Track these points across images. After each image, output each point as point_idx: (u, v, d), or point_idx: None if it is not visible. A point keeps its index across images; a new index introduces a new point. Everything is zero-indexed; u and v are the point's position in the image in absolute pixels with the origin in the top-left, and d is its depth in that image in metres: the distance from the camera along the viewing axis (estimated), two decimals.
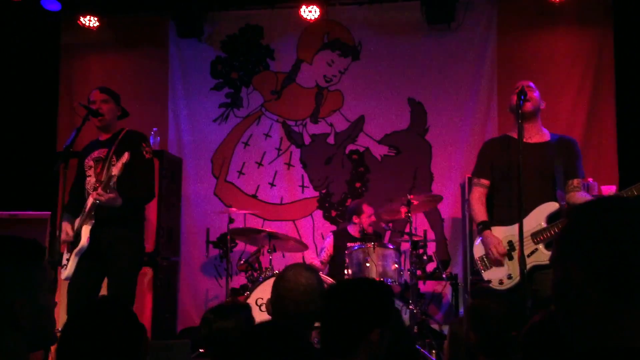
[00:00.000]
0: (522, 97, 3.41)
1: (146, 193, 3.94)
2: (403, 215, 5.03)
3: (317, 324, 2.27)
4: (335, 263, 5.48)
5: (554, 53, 6.15)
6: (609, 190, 5.21)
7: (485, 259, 3.58)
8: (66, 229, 3.81)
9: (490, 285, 3.57)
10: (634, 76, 5.83)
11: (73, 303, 3.71)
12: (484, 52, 6.23)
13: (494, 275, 3.54)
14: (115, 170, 3.57)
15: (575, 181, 3.57)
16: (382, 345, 1.75)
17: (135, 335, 1.48)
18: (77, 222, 3.85)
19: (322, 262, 5.55)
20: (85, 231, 3.74)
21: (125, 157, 3.58)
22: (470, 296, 2.49)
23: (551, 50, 6.15)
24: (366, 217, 5.47)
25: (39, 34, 6.62)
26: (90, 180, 3.89)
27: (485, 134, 6.03)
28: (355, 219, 5.53)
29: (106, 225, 3.75)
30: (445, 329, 5.76)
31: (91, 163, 3.93)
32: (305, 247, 5.81)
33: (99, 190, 3.62)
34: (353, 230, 5.57)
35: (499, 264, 3.51)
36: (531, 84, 3.63)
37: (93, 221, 3.73)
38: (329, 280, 4.58)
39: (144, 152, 3.91)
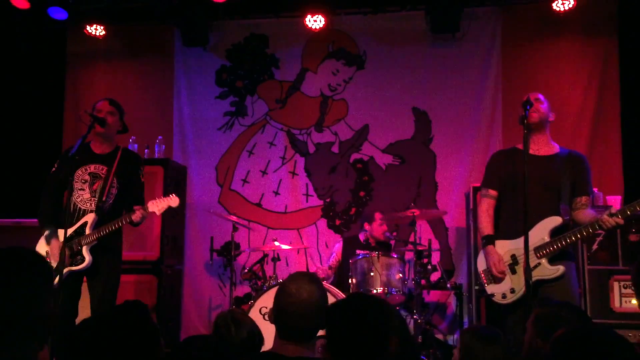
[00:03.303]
0: (528, 107, 3.41)
1: None
2: (407, 221, 5.04)
3: (320, 333, 2.26)
4: (343, 269, 5.47)
5: (559, 63, 6.15)
6: (614, 200, 5.20)
7: (489, 273, 3.58)
8: (54, 251, 3.78)
9: (494, 299, 3.57)
10: (639, 86, 5.83)
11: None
12: (489, 62, 6.24)
13: (497, 289, 3.54)
14: (157, 211, 3.87)
15: (584, 199, 3.57)
16: (401, 355, 1.72)
17: (151, 342, 1.46)
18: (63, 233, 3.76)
19: (330, 267, 5.54)
20: (87, 251, 3.81)
21: (175, 202, 3.90)
22: (537, 305, 2.50)
23: (556, 60, 6.15)
24: (377, 225, 5.47)
25: (45, 42, 6.66)
26: (83, 194, 3.90)
27: (489, 143, 6.03)
28: (366, 226, 5.55)
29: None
30: (450, 339, 5.75)
31: (87, 177, 3.93)
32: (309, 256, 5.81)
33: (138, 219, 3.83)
34: (363, 237, 5.58)
35: (501, 279, 3.51)
36: (540, 96, 3.63)
37: (95, 241, 3.81)
38: (333, 289, 4.55)
39: (141, 175, 4.07)
